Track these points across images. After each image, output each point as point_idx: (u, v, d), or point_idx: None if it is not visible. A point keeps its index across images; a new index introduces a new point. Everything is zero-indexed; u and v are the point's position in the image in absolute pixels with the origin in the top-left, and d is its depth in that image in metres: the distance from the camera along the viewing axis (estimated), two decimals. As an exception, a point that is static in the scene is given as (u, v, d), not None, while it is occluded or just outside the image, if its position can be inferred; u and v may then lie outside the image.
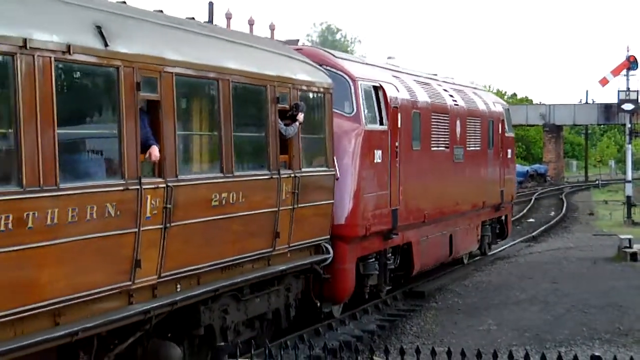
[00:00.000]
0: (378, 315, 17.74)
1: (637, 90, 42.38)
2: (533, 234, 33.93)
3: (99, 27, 9.91)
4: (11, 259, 8.58)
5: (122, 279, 10.25)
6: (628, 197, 41.07)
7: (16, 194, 8.61)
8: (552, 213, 45.88)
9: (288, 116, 13.74)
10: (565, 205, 49.77)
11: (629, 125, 43.17)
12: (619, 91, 42.45)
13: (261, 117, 13.17)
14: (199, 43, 12.09)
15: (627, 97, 42.11)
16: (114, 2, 11.10)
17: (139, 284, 10.54)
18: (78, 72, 9.65)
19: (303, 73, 14.51)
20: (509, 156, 26.09)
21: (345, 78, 16.16)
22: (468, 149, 22.11)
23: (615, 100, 44.38)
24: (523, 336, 15.79)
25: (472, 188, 22.51)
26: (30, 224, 8.73)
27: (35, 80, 8.83)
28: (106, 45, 9.87)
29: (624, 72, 42.29)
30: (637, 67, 42.09)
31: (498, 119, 24.84)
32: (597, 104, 75.47)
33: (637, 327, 16.13)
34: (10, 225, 8.49)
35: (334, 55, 16.70)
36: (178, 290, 11.42)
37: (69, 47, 9.26)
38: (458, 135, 21.30)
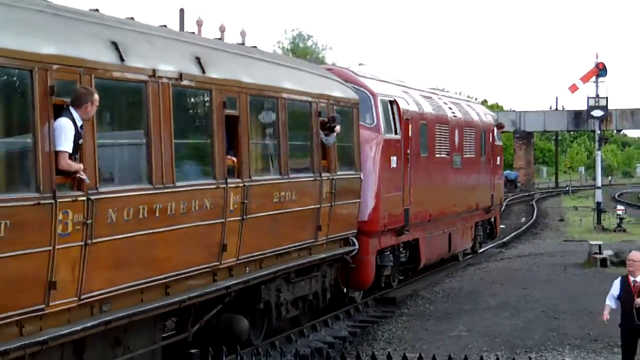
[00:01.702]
0: (349, 322, 18.37)
1: (606, 97, 43.67)
2: (504, 240, 34.92)
3: (198, 59, 12.63)
4: (144, 242, 11.25)
5: (212, 260, 12.97)
6: (598, 204, 42.54)
7: (149, 190, 11.31)
8: (523, 219, 47.61)
9: (326, 127, 16.45)
10: (535, 211, 51.59)
11: (599, 132, 44.46)
12: (588, 98, 43.73)
13: (307, 128, 15.98)
14: (262, 67, 14.87)
15: (597, 104, 43.39)
16: (208, 37, 13.81)
17: (224, 265, 13.27)
18: (185, 94, 12.36)
19: (337, 90, 17.36)
20: (498, 163, 29.19)
21: (367, 94, 19.08)
22: (465, 156, 25.14)
23: (584, 107, 45.66)
24: (494, 342, 16.18)
25: (468, 191, 25.55)
26: (157, 214, 11.42)
27: (160, 101, 11.53)
28: (204, 72, 12.61)
29: (593, 79, 43.60)
30: (605, 74, 43.35)
31: (489, 129, 27.94)
32: (567, 110, 77.87)
33: (607, 332, 15.68)
34: (145, 214, 11.17)
35: (356, 74, 19.59)
36: (247, 271, 14.13)
37: (180, 74, 11.98)
38: (456, 144, 24.27)
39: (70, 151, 9.88)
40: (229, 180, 13.22)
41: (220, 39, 16.01)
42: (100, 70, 10.47)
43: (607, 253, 25.89)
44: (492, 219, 29.91)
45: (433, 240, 22.90)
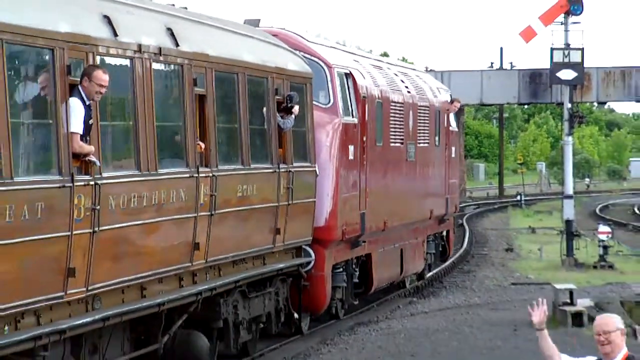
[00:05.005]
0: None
1: (582, 49, 42.98)
2: (416, 283, 36.11)
3: (170, 30, 18.39)
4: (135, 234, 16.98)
5: (184, 260, 18.68)
6: (568, 222, 43.83)
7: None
8: (447, 248, 51.52)
9: (282, 108, 22.36)
10: (467, 235, 55.17)
11: (569, 106, 43.77)
12: (552, 49, 43.09)
13: (264, 110, 22.11)
14: (220, 37, 20.89)
15: (566, 60, 42.60)
16: (171, 4, 19.65)
17: (193, 267, 19.08)
18: (162, 71, 18.17)
19: (290, 62, 23.64)
20: (454, 155, 35.83)
21: (320, 65, 25.36)
22: (419, 145, 31.68)
23: (546, 65, 45.50)
24: None
25: (421, 194, 32.21)
26: (145, 203, 17.14)
27: (143, 80, 17.30)
28: (177, 45, 18.35)
29: (561, 17, 43.16)
30: (581, 10, 42.71)
31: (444, 109, 34.86)
32: (518, 70, 78.82)
33: None
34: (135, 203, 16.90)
35: (306, 40, 25.69)
36: (207, 278, 19.97)
37: (160, 49, 17.73)
38: (411, 129, 30.81)
39: (82, 132, 15.48)
40: (200, 170, 19.00)
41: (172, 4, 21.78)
42: (100, 47, 16.12)
43: (583, 303, 26.91)
44: (445, 233, 36.70)
45: (385, 257, 29.26)
